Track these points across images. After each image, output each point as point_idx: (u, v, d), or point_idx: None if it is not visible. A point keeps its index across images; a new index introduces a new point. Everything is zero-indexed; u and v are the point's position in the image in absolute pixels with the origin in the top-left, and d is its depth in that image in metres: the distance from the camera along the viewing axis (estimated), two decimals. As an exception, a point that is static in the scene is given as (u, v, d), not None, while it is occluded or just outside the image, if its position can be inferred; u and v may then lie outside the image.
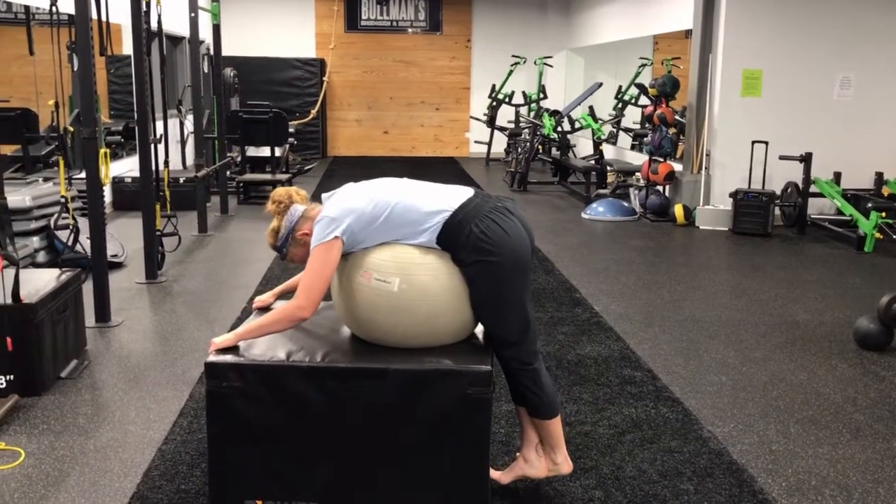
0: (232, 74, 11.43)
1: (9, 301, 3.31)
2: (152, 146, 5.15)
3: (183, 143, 10.19)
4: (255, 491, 2.34)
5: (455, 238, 2.33)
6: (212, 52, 8.84)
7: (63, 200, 4.45)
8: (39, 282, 3.64)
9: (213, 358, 2.32)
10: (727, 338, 4.37)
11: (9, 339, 3.26)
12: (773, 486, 2.75)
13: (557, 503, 2.61)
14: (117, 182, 8.11)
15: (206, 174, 6.53)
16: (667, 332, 4.44)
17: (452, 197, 2.39)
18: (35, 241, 5.20)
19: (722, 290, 5.41)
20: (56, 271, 3.84)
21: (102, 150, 4.17)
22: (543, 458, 2.62)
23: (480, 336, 2.55)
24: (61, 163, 4.35)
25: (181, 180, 7.85)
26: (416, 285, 2.32)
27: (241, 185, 8.64)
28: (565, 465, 2.62)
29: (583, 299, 5.04)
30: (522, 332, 2.42)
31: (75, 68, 8.29)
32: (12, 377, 3.35)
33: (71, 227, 4.48)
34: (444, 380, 2.28)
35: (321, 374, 2.28)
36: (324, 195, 2.48)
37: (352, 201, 2.36)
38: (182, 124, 10.12)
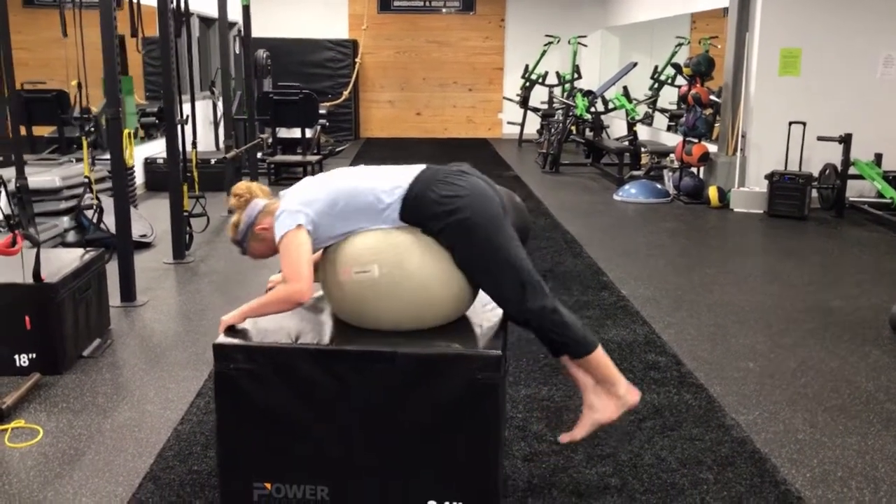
0: (265, 56, 11.44)
1: (30, 281, 3.33)
2: (179, 127, 5.15)
3: (216, 124, 10.23)
4: (263, 473, 2.32)
5: (417, 210, 2.31)
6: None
7: (87, 181, 4.47)
8: (62, 261, 3.66)
9: (221, 339, 2.30)
10: (757, 323, 4.26)
11: (27, 318, 3.29)
12: (796, 477, 2.67)
13: (572, 490, 2.56)
14: (150, 163, 8.17)
15: (234, 155, 6.54)
16: (694, 317, 4.35)
17: (405, 173, 2.38)
18: (65, 221, 5.25)
19: (754, 273, 5.29)
20: (80, 251, 3.87)
21: (126, 131, 4.18)
22: (606, 397, 2.48)
23: (495, 318, 2.49)
24: (84, 143, 4.37)
25: (212, 161, 7.88)
26: (396, 264, 2.28)
27: (272, 166, 8.66)
28: (630, 394, 2.49)
29: (610, 283, 4.96)
30: (520, 286, 2.33)
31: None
32: (35, 355, 3.39)
33: (95, 207, 4.50)
34: (452, 364, 2.24)
35: (329, 356, 2.25)
36: (281, 192, 2.46)
37: (307, 192, 2.37)
38: (215, 106, 10.16)
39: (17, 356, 3.37)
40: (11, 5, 8.34)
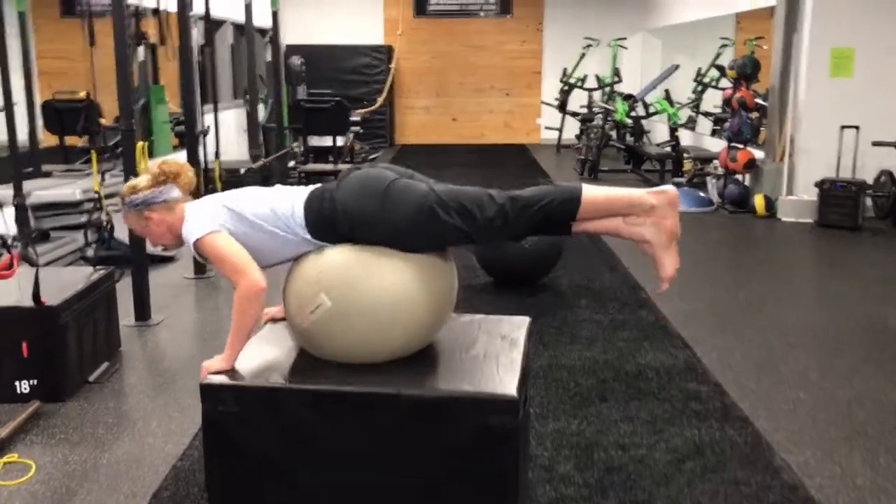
0: (299, 63, 11.33)
1: (30, 303, 3.17)
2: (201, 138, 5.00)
3: (248, 132, 10.13)
4: (255, 525, 2.11)
5: (323, 222, 2.17)
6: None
7: (96, 196, 4.33)
8: (68, 281, 3.50)
9: (208, 379, 2.10)
10: (807, 346, 3.94)
11: (24, 344, 3.12)
12: (855, 531, 2.38)
13: (600, 545, 2.30)
14: (179, 173, 8.06)
15: (262, 164, 6.39)
16: (739, 339, 4.04)
17: (297, 196, 2.26)
18: (82, 236, 5.11)
19: (804, 290, 4.96)
20: (88, 269, 3.71)
21: (140, 144, 4.03)
22: (645, 218, 2.17)
23: (513, 350, 2.25)
24: (94, 156, 4.23)
25: (241, 171, 7.74)
26: (341, 282, 2.11)
27: (303, 175, 8.50)
28: (660, 196, 2.18)
29: (648, 300, 4.66)
30: (461, 212, 2.12)
31: (140, 59, 8.32)
32: (36, 382, 3.22)
33: (105, 223, 4.36)
34: (462, 408, 2.00)
35: (325, 398, 2.04)
36: (187, 205, 2.32)
37: (210, 203, 2.28)
38: (248, 114, 10.05)
39: (17, 382, 3.21)
40: (49, 15, 8.32)
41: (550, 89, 12.98)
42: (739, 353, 3.84)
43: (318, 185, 2.30)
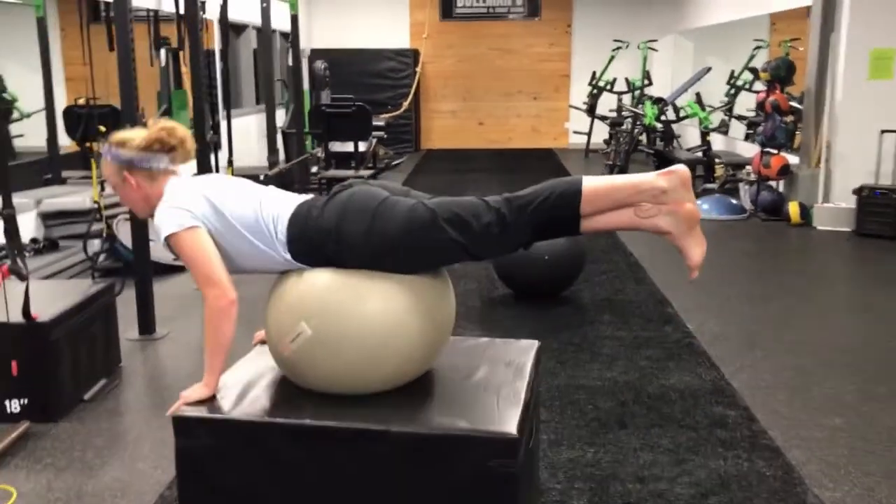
0: (323, 67, 11.21)
1: (18, 319, 3.03)
2: (213, 145, 4.87)
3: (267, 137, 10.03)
4: (232, 570, 1.94)
5: (307, 243, 2.00)
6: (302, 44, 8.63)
7: (96, 206, 4.21)
8: (63, 295, 3.37)
9: (182, 411, 1.93)
10: (844, 367, 3.69)
11: (14, 363, 2.99)
12: (897, 582, 2.15)
13: None
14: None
15: (277, 171, 6.25)
16: (771, 358, 3.80)
17: (283, 207, 2.09)
18: (94, 245, 5.00)
19: (841, 304, 4.70)
20: (86, 282, 3.58)
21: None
22: (658, 206, 1.98)
23: (518, 380, 2.06)
24: (94, 166, 4.10)
25: (260, 177, 7.62)
26: (323, 309, 1.93)
27: (324, 181, 8.36)
28: (668, 178, 1.98)
29: (675, 315, 4.43)
30: (464, 225, 1.93)
31: (162, 63, 8.24)
32: (26, 401, 3.09)
33: (104, 234, 4.24)
34: (456, 447, 1.82)
35: (306, 433, 1.86)
36: (169, 182, 2.16)
37: (190, 190, 2.09)
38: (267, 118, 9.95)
39: (7, 402, 3.08)
40: (77, 23, 8.26)
41: (579, 93, 12.74)
42: (770, 374, 3.60)
43: (307, 197, 2.12)
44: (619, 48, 11.78)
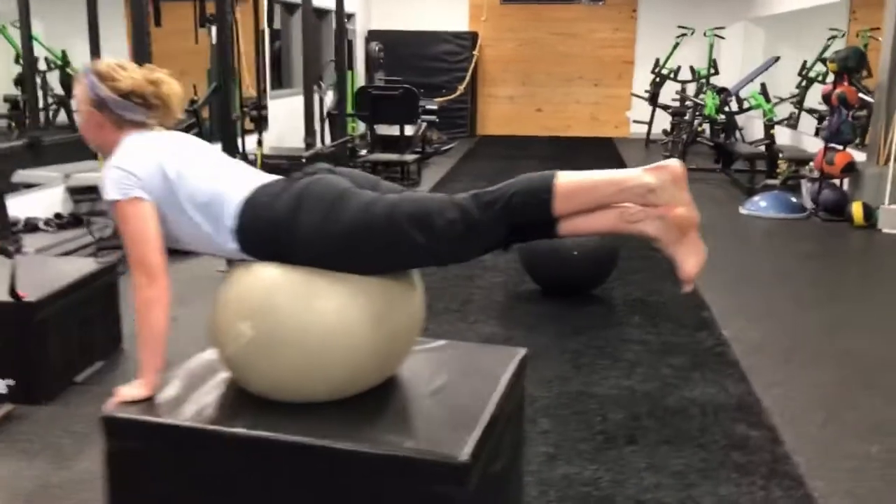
0: (377, 48, 11.06)
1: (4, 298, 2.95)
2: (243, 122, 4.75)
3: (321, 119, 9.93)
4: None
5: (258, 234, 1.82)
6: (357, 25, 8.48)
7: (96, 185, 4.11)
8: (59, 274, 3.28)
9: (111, 411, 1.79)
10: (892, 387, 3.36)
11: (-2, 344, 2.90)
12: None
13: None
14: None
15: (314, 153, 6.12)
16: (809, 372, 3.49)
17: (248, 181, 1.91)
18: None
19: (897, 316, 4.32)
20: (87, 261, 3.50)
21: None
22: (646, 210, 1.75)
23: (494, 389, 1.85)
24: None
25: (303, 159, 7.52)
26: (263, 309, 1.76)
27: (368, 165, 8.22)
28: (654, 173, 1.74)
29: (711, 320, 4.13)
30: (425, 222, 1.73)
31: (213, 41, 8.19)
32: (13, 382, 3.01)
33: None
34: (400, 470, 1.62)
35: (240, 444, 1.69)
36: (130, 137, 1.97)
37: (146, 157, 1.90)
38: (321, 100, 9.86)
39: (-7, 382, 3.01)
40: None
41: (642, 81, 12.30)
42: (806, 391, 3.30)
43: (272, 179, 1.93)
44: (683, 35, 11.32)
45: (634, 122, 12.09)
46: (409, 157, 8.03)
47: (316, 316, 1.72)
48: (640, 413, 3.04)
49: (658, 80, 11.31)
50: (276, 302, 1.73)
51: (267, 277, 1.77)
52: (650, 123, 11.51)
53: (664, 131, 10.97)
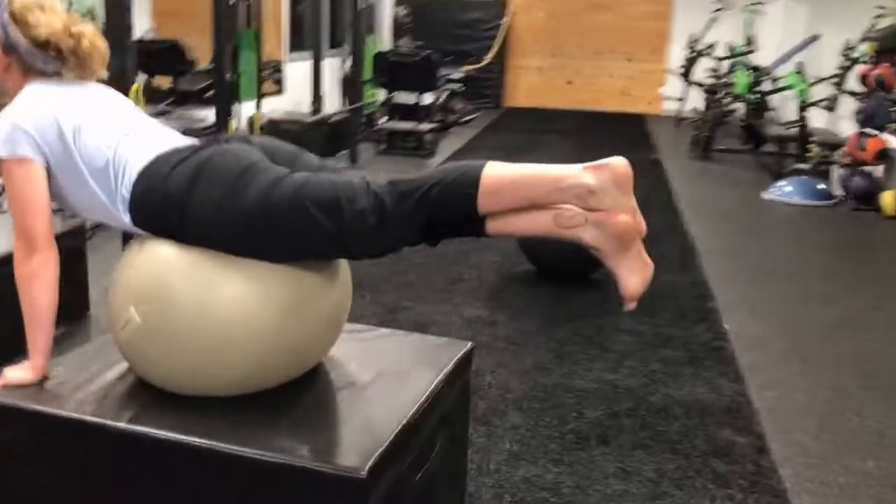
0: (403, 14, 10.80)
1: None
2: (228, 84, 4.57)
3: (343, 85, 9.73)
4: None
5: (149, 208, 1.63)
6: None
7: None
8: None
9: (-8, 395, 1.62)
10: (894, 391, 3.11)
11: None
12: None
13: None
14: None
15: (318, 119, 5.93)
16: (810, 374, 3.24)
17: (154, 144, 1.69)
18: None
19: (917, 315, 4.03)
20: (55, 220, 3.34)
21: (135, 86, 3.63)
22: (588, 216, 1.53)
23: (421, 390, 1.66)
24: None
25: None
26: (152, 294, 1.57)
27: (384, 133, 8.00)
28: (583, 177, 1.51)
29: (713, 311, 3.88)
30: (333, 207, 1.53)
31: (231, 1, 8.01)
32: (-40, 347, 2.88)
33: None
34: (293, 481, 1.43)
35: (120, 439, 1.52)
36: (30, 87, 1.77)
37: (42, 110, 1.69)
38: (343, 65, 9.64)
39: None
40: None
41: (678, 56, 11.88)
42: (803, 394, 3.05)
43: (175, 146, 1.72)
44: (720, 9, 10.88)
45: (665, 98, 11.70)
46: (424, 127, 7.80)
47: (214, 302, 1.53)
48: (620, 411, 2.83)
49: (692, 55, 10.90)
50: (169, 285, 1.55)
51: (161, 258, 1.58)
52: (683, 100, 11.12)
53: (695, 109, 10.58)
